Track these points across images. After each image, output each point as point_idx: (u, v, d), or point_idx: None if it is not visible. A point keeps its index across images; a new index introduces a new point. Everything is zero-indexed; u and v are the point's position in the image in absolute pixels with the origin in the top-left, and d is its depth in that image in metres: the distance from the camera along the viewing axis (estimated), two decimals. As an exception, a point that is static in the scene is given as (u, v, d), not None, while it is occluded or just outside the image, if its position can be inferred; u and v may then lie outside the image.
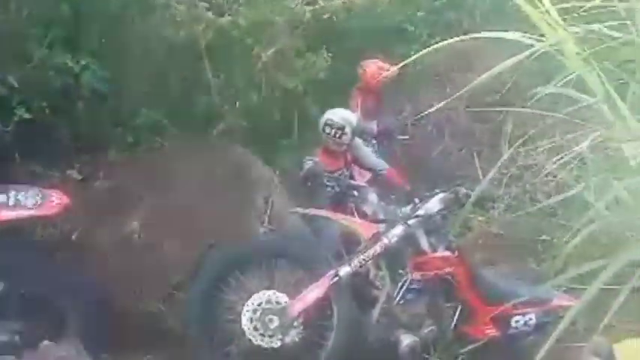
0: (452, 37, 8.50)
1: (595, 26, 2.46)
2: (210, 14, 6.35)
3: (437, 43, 8.64)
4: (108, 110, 5.98)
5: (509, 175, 6.37)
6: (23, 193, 3.96)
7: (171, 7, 6.30)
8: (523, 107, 3.26)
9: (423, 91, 7.98)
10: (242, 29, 6.47)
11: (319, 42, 7.02)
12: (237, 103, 6.49)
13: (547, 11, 2.47)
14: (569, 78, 2.57)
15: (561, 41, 2.43)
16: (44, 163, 5.33)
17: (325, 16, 6.85)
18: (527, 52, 2.39)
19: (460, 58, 7.80)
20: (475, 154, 7.08)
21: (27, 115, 5.20)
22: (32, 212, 3.97)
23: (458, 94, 2.66)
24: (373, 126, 7.18)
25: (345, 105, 6.99)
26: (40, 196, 4.02)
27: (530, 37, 2.48)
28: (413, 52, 8.81)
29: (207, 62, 6.51)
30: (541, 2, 2.47)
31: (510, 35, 2.57)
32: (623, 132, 2.40)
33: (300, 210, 5.40)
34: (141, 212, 5.33)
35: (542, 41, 2.45)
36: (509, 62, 2.35)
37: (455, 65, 7.93)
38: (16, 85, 5.22)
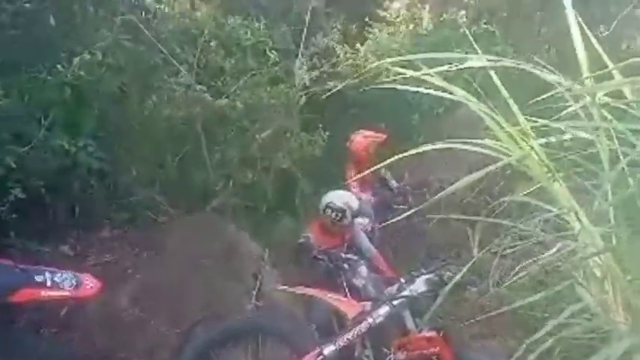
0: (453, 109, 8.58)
1: (562, 139, 2.57)
2: (208, 96, 6.56)
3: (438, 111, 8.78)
4: (104, 188, 6.09)
5: (503, 247, 6.36)
6: (59, 275, 3.99)
7: (170, 89, 6.52)
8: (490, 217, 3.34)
9: (420, 161, 8.05)
10: (239, 111, 6.66)
11: (315, 121, 7.21)
12: (232, 181, 6.62)
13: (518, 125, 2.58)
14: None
15: (527, 156, 2.53)
16: (39, 240, 5.41)
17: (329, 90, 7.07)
18: (495, 165, 2.47)
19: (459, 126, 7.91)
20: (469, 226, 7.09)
21: (22, 195, 5.29)
22: (69, 294, 3.95)
23: (436, 197, 2.72)
24: (368, 206, 7.20)
25: (339, 181, 7.11)
26: (75, 279, 4.06)
27: (499, 148, 2.58)
28: (414, 121, 9.15)
29: (203, 142, 6.69)
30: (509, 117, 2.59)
31: (479, 146, 2.65)
32: (588, 244, 2.48)
33: (288, 288, 5.41)
34: (131, 288, 5.37)
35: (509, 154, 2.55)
36: (480, 174, 2.42)
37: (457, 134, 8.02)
38: (13, 165, 5.32)
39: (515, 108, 2.66)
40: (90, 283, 4.09)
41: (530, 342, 2.33)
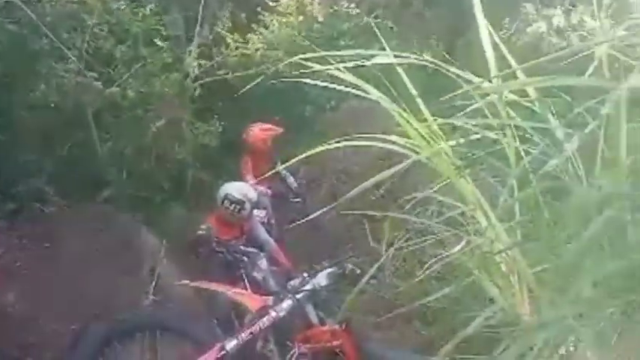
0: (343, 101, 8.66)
1: (469, 138, 2.59)
2: (98, 84, 6.31)
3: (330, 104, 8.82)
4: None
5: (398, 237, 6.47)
6: None
7: (58, 75, 6.22)
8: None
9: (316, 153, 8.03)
10: (131, 100, 6.46)
11: (210, 111, 7.10)
12: (125, 171, 6.41)
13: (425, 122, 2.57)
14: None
15: (436, 153, 2.53)
16: None
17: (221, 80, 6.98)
18: (407, 162, 2.46)
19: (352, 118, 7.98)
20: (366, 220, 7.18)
21: None
22: None
23: (340, 200, 2.68)
24: (266, 197, 7.16)
25: (235, 171, 7.03)
26: None
27: (406, 146, 2.57)
28: (307, 113, 9.20)
29: (94, 130, 6.43)
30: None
31: (388, 142, 2.64)
32: (494, 239, 2.51)
33: (187, 282, 5.28)
34: (18, 283, 5.09)
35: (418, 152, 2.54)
36: (388, 173, 2.40)
37: (351, 127, 8.13)
38: None
39: (422, 105, 2.67)
40: None
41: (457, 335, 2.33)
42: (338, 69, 2.72)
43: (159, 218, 6.57)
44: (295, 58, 2.93)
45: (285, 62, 3.34)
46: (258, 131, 7.34)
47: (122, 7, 6.84)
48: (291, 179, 7.61)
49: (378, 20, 9.15)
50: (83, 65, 6.32)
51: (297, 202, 7.59)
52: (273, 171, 6.97)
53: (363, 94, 2.70)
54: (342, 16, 10.07)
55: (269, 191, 7.30)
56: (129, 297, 5.24)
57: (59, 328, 4.93)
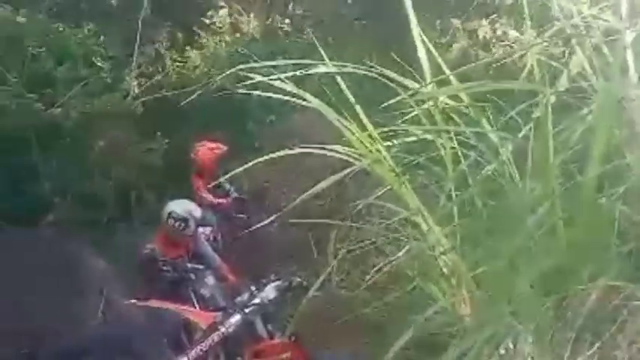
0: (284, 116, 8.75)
1: (407, 142, 2.68)
2: (39, 105, 6.26)
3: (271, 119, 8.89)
4: None
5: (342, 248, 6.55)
6: None
7: (-1, 98, 6.18)
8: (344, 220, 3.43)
9: (258, 168, 8.07)
10: (74, 120, 6.42)
11: (153, 130, 7.11)
12: (69, 193, 6.36)
13: (366, 130, 2.64)
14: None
15: (378, 160, 2.61)
16: None
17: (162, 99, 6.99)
18: (347, 170, 2.52)
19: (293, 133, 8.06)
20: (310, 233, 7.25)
21: None
22: None
23: (286, 209, 2.76)
24: (210, 214, 7.18)
25: (182, 188, 7.05)
26: None
27: (350, 154, 2.63)
28: (249, 127, 9.25)
29: (36, 152, 6.38)
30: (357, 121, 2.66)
31: (332, 150, 2.69)
32: (435, 243, 2.59)
33: (136, 302, 5.25)
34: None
35: (361, 157, 2.61)
36: (333, 179, 2.46)
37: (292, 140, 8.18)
38: None
39: (362, 114, 2.73)
40: None
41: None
42: (279, 79, 2.78)
43: (105, 239, 6.52)
44: (236, 69, 2.99)
45: (226, 73, 3.40)
46: (207, 150, 7.41)
47: (61, 29, 6.81)
48: (233, 191, 7.67)
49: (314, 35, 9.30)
50: (24, 87, 6.25)
51: (242, 217, 7.65)
52: (218, 182, 7.08)
53: (304, 103, 2.77)
54: (277, 32, 10.17)
55: (226, 200, 7.38)
56: (77, 319, 5.17)
57: (5, 353, 4.85)
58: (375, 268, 4.13)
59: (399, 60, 2.94)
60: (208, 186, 7.24)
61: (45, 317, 4.99)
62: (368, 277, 5.90)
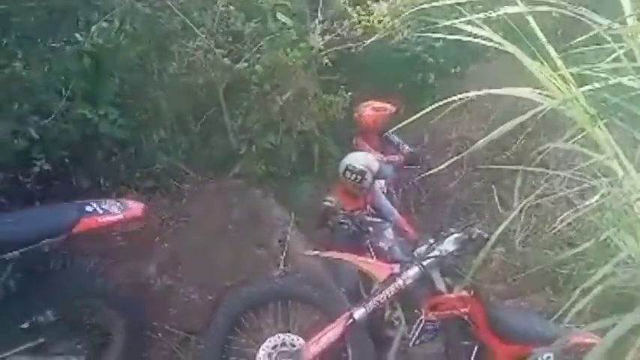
0: (469, 67, 8.58)
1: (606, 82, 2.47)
2: (227, 60, 6.49)
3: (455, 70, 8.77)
4: (127, 157, 6.10)
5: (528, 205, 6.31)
6: (104, 203, 4.14)
7: (189, 54, 6.47)
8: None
9: (441, 120, 7.94)
10: (259, 74, 6.60)
11: (337, 82, 7.15)
12: (254, 146, 6.60)
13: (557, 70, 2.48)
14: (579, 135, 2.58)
15: (570, 100, 2.44)
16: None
17: (345, 54, 7.00)
18: (537, 109, 2.38)
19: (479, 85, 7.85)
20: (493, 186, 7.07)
21: (47, 166, 5.33)
22: (121, 216, 4.15)
23: (464, 153, 2.65)
24: (388, 167, 7.15)
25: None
26: (120, 204, 4.22)
27: (540, 94, 2.48)
28: (431, 80, 9.11)
29: (224, 107, 6.65)
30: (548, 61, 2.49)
31: (521, 92, 2.56)
32: (631, 189, 2.40)
33: (315, 252, 5.38)
34: (159, 256, 5.39)
35: (552, 98, 2.46)
36: (519, 119, 2.33)
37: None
38: (36, 136, 5.37)
39: (553, 53, 2.57)
40: (134, 205, 4.28)
41: (577, 295, 2.27)
42: (470, 22, 2.65)
43: (287, 191, 6.73)
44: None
45: (409, 14, 3.26)
46: (371, 111, 7.39)
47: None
48: (405, 146, 7.59)
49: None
50: (213, 43, 6.49)
51: (413, 167, 7.56)
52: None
53: (497, 46, 2.62)
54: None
55: (391, 158, 7.35)
56: (260, 268, 5.42)
57: (196, 298, 5.20)
58: (561, 220, 3.92)
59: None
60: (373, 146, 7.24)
61: (230, 265, 5.31)
62: (554, 229, 5.72)
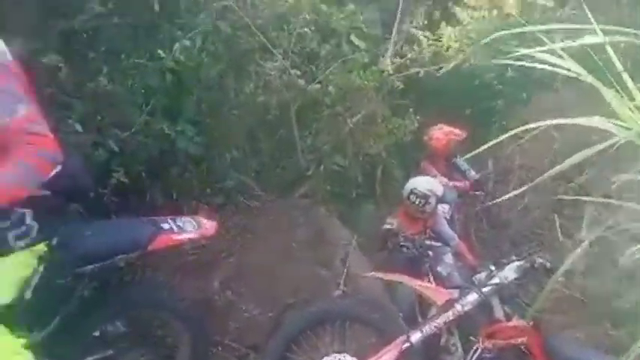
0: (539, 96, 8.51)
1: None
2: (301, 81, 6.67)
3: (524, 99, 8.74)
4: (200, 173, 6.30)
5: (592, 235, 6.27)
6: (179, 220, 4.18)
7: (265, 74, 6.66)
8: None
9: (505, 147, 7.95)
10: (331, 96, 6.76)
11: (406, 106, 7.25)
12: (322, 166, 6.74)
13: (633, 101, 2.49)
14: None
15: None
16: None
17: (414, 78, 7.10)
18: (611, 141, 2.40)
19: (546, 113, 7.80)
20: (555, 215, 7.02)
21: (124, 179, 5.51)
22: (195, 235, 4.19)
23: (530, 184, 2.70)
24: (452, 192, 7.20)
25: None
26: (194, 221, 4.26)
27: (614, 124, 2.49)
28: (499, 107, 9.10)
29: (295, 127, 6.83)
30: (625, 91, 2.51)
31: (594, 122, 2.56)
32: None
33: (376, 275, 5.46)
34: (224, 271, 5.57)
35: (628, 129, 2.46)
36: (591, 151, 2.36)
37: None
38: (116, 149, 5.55)
39: (630, 84, 2.56)
40: (207, 224, 4.30)
41: None
42: (548, 51, 2.66)
43: (351, 212, 6.85)
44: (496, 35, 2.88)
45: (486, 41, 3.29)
46: (441, 135, 7.45)
47: (325, 9, 7.15)
48: (472, 172, 7.60)
49: (574, 12, 8.78)
50: (289, 63, 6.67)
51: (478, 194, 7.57)
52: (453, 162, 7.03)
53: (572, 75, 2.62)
54: (537, 8, 9.78)
55: (457, 184, 7.37)
56: (321, 287, 5.54)
57: (257, 315, 5.35)
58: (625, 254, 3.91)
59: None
60: (441, 170, 7.27)
61: (292, 283, 5.45)
62: (616, 267, 5.65)
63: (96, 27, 5.85)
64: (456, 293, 4.78)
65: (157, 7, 6.34)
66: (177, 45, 6.12)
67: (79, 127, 5.22)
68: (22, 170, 2.88)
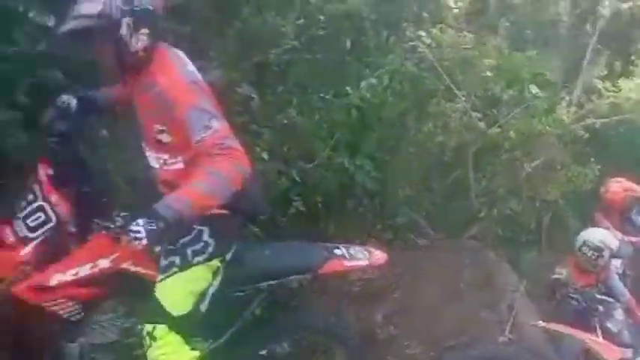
0: None
1: None
2: (482, 124, 6.73)
3: None
4: (373, 207, 6.48)
5: None
6: (352, 248, 4.22)
7: (446, 115, 6.78)
8: None
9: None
10: (511, 140, 6.76)
11: (587, 154, 7.11)
12: (495, 209, 6.74)
13: None
14: None
15: None
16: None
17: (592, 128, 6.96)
18: None
19: None
20: None
21: (302, 208, 5.82)
22: (366, 263, 4.25)
23: None
24: (627, 247, 6.91)
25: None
26: (365, 251, 4.30)
27: None
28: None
29: (471, 169, 6.87)
30: None
31: None
32: None
33: (543, 324, 5.39)
34: (388, 305, 5.70)
35: None
36: None
37: None
38: (297, 179, 5.86)
39: None
40: (378, 254, 4.32)
41: None
42: None
43: (518, 257, 6.77)
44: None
45: None
46: (619, 189, 7.21)
47: (510, 54, 7.19)
48: None
49: None
50: (470, 106, 6.75)
51: None
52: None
53: None
54: None
55: (632, 239, 7.09)
56: (485, 331, 5.51)
57: (418, 353, 5.41)
58: None
59: None
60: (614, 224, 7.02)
61: (455, 324, 5.48)
62: None
63: (288, 61, 6.22)
64: (629, 353, 4.66)
65: (348, 45, 6.67)
66: (364, 83, 6.39)
67: (265, 156, 5.51)
68: (216, 180, 2.99)
